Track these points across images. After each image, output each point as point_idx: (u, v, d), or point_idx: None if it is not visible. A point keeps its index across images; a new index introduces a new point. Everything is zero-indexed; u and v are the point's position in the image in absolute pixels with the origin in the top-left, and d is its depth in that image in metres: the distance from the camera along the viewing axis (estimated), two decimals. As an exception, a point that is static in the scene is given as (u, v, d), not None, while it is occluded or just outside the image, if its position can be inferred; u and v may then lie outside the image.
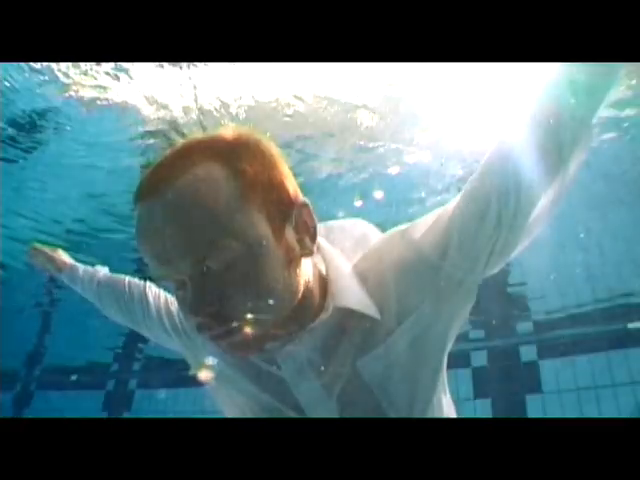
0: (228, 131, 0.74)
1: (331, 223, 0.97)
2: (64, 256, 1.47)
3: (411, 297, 0.81)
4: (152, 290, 1.16)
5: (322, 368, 0.82)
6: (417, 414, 0.86)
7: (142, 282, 1.20)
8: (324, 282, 0.83)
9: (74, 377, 6.85)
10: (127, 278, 1.23)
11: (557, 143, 0.73)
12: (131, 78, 2.75)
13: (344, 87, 2.75)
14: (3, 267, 4.92)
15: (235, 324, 0.70)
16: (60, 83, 2.78)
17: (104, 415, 6.39)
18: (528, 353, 4.56)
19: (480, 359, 4.65)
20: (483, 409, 4.38)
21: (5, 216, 3.99)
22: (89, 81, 2.78)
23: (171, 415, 5.87)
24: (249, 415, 0.90)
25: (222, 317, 0.69)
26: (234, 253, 0.67)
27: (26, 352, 7.14)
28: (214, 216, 0.66)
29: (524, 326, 4.73)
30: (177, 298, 0.75)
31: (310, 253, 0.77)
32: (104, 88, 2.83)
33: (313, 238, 0.77)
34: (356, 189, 3.44)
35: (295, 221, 0.75)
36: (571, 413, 4.20)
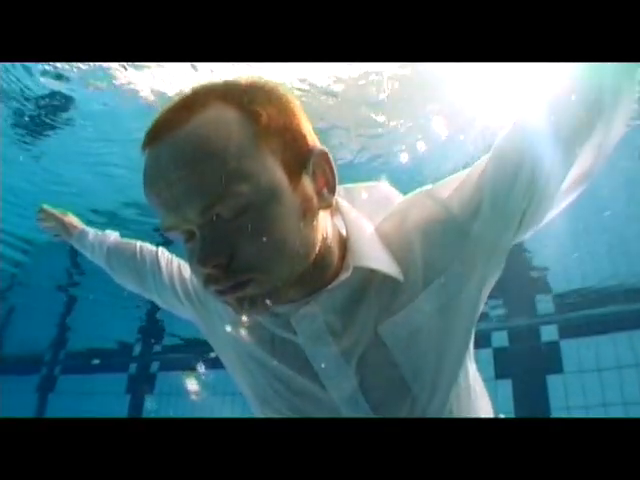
0: (242, 77, 0.70)
1: (352, 185, 0.92)
2: (74, 220, 1.41)
3: (438, 259, 0.77)
4: (165, 255, 1.11)
5: (340, 332, 0.77)
6: (442, 388, 0.81)
7: (154, 247, 1.15)
8: (344, 243, 0.78)
9: (97, 361, 6.99)
10: (139, 243, 1.18)
11: (598, 97, 0.68)
12: (139, 69, 2.74)
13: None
14: (27, 252, 5.00)
15: (244, 278, 0.65)
16: (75, 76, 2.79)
17: (127, 397, 6.53)
18: (549, 333, 4.54)
19: (501, 339, 4.64)
20: (504, 389, 4.38)
21: (23, 206, 4.03)
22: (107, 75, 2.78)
23: (192, 397, 5.97)
24: (265, 387, 0.86)
25: (231, 270, 0.64)
26: (246, 200, 0.63)
27: (50, 337, 7.29)
28: (224, 159, 0.62)
29: (545, 306, 4.69)
30: (186, 252, 0.70)
31: (329, 205, 0.72)
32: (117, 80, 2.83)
33: (332, 190, 0.72)
34: (370, 174, 3.41)
35: (313, 170, 0.70)
36: (592, 394, 4.18)
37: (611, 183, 3.06)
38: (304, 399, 0.82)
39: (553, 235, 3.49)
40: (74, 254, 4.74)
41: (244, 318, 0.83)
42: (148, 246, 1.16)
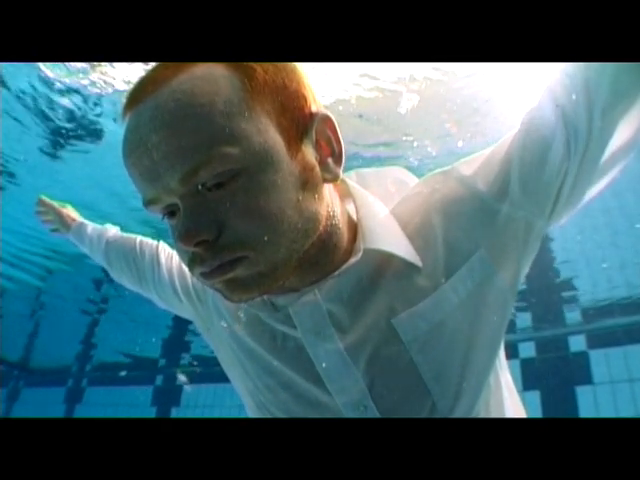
0: None
1: (365, 170, 0.84)
2: (73, 213, 1.35)
3: (462, 244, 0.69)
4: (165, 250, 1.05)
5: (347, 326, 0.68)
6: (467, 395, 0.70)
7: (154, 242, 1.09)
8: (355, 227, 0.70)
9: (123, 373, 7.06)
10: (138, 237, 1.12)
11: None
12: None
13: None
14: (51, 259, 5.08)
15: (234, 256, 0.57)
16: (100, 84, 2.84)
17: (153, 409, 6.58)
18: (577, 343, 4.47)
19: (528, 350, 4.57)
20: (532, 401, 4.32)
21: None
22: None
23: (218, 409, 6.00)
24: (263, 390, 0.78)
25: (219, 247, 0.56)
26: (235, 164, 0.55)
27: (77, 349, 7.39)
28: (209, 117, 0.54)
29: (573, 316, 4.63)
30: (170, 232, 0.63)
31: (335, 178, 0.63)
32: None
33: (338, 160, 0.64)
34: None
35: (315, 137, 0.63)
36: (623, 405, 4.10)
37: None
38: (306, 405, 0.74)
39: (581, 244, 3.46)
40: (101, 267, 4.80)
41: (242, 314, 0.77)
42: (148, 240, 1.11)
